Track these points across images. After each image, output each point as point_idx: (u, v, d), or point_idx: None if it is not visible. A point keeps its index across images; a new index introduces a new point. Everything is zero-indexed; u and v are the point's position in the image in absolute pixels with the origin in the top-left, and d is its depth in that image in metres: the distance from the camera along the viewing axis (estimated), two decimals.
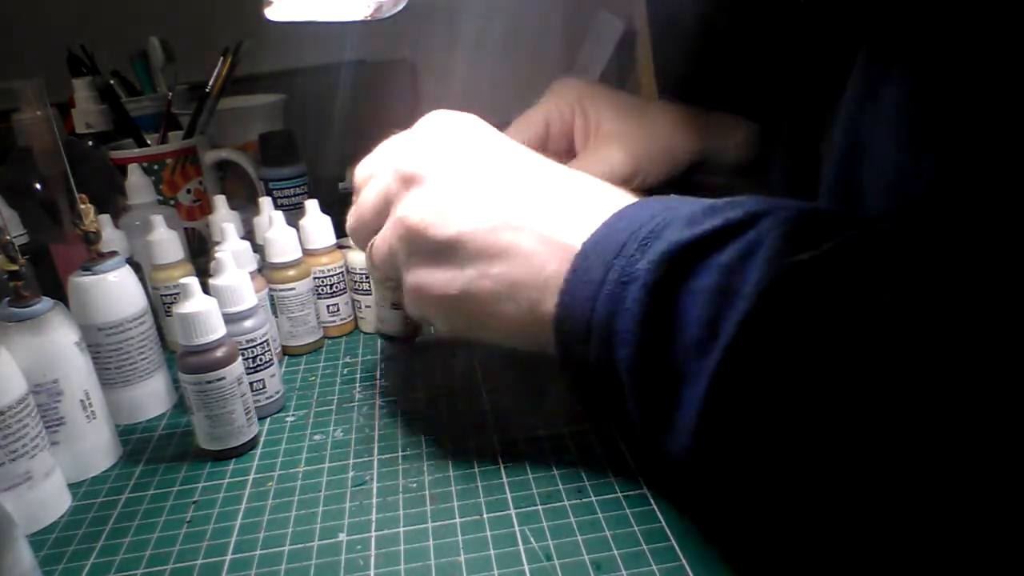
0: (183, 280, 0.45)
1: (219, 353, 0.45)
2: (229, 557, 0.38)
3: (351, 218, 0.45)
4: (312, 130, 0.91)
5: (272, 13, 0.50)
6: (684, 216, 0.33)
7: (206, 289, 0.47)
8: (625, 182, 0.52)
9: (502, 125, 1.12)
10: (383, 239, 0.41)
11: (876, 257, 0.29)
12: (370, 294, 0.60)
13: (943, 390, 0.25)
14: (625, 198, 0.38)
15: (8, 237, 0.44)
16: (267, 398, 0.50)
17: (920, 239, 0.29)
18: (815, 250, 0.29)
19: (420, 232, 0.38)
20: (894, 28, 0.33)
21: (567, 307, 0.35)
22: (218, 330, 0.45)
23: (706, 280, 0.31)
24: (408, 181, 0.40)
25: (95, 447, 0.47)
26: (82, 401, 0.46)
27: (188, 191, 0.76)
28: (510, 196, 0.38)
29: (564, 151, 0.56)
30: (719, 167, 0.57)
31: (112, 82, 0.83)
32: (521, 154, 0.41)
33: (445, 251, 0.38)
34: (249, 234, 0.62)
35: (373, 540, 0.38)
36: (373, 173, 0.43)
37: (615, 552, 0.35)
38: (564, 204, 0.38)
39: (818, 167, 0.39)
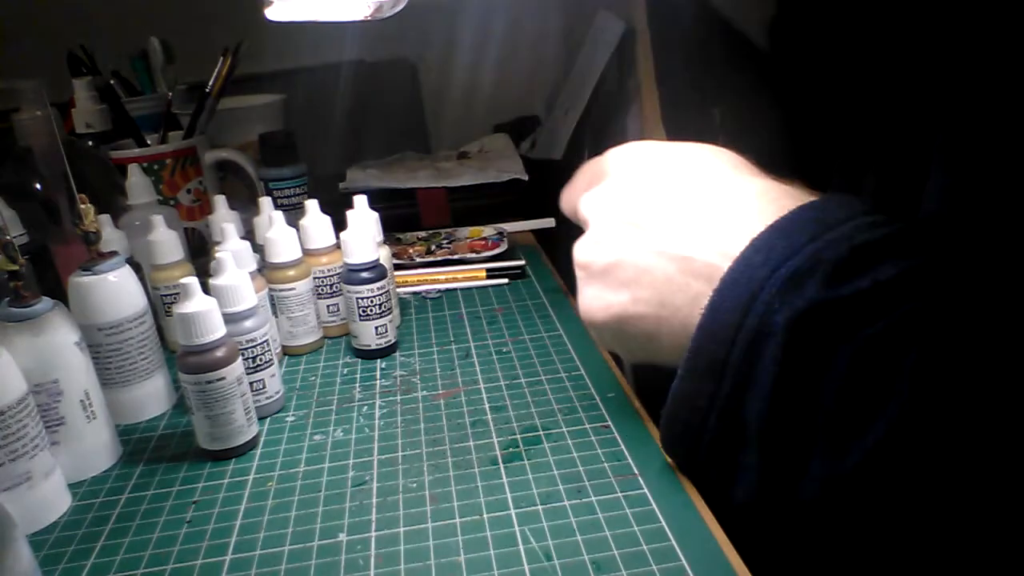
0: (183, 280, 0.45)
1: (219, 353, 0.45)
2: (229, 557, 0.38)
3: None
4: (312, 130, 0.91)
5: (272, 13, 0.50)
6: (829, 264, 0.31)
7: (206, 289, 0.47)
8: None
9: (507, 124, 1.10)
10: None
11: None
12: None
13: None
14: (773, 205, 0.35)
15: (8, 237, 0.44)
16: (267, 398, 0.50)
17: None
18: (974, 340, 0.28)
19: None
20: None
21: (701, 343, 0.35)
22: (218, 330, 0.45)
23: (848, 359, 0.30)
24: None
25: (95, 447, 0.47)
26: (82, 401, 0.46)
27: (188, 191, 0.76)
28: (659, 219, 0.38)
29: None
30: None
31: (112, 82, 0.83)
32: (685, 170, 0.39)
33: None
34: (249, 234, 0.62)
35: (373, 540, 0.38)
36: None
37: (615, 552, 0.35)
38: (710, 222, 0.36)
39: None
